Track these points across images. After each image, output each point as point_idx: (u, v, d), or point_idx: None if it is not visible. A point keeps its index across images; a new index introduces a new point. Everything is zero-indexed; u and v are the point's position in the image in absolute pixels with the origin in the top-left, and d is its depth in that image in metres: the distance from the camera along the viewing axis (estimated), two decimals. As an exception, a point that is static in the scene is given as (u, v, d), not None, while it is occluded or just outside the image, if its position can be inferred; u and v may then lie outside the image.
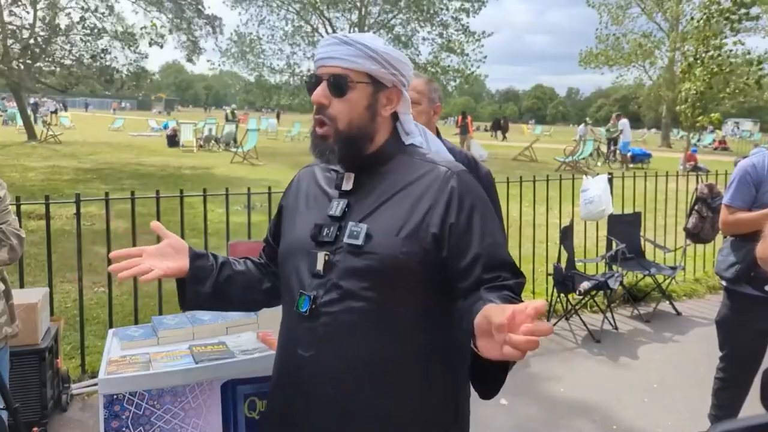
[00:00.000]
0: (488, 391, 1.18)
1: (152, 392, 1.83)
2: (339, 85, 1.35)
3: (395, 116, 1.45)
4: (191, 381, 1.87)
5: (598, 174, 5.87)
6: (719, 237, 4.25)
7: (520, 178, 5.65)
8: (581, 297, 5.23)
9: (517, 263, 1.37)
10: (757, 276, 2.75)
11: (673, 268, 5.76)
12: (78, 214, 3.88)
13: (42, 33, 19.73)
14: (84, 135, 25.89)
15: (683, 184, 7.06)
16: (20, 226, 2.64)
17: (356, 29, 24.98)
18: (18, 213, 3.48)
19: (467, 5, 25.30)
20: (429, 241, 1.31)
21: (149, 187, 10.43)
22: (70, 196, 4.08)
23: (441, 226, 1.32)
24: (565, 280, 5.05)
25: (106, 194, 4.04)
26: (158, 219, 3.95)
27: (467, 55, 25.93)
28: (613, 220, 5.74)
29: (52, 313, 3.66)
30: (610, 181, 5.71)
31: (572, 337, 4.92)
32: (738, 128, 50.53)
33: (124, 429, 1.80)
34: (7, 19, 19.34)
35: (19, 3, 18.88)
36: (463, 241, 1.31)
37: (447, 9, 25.60)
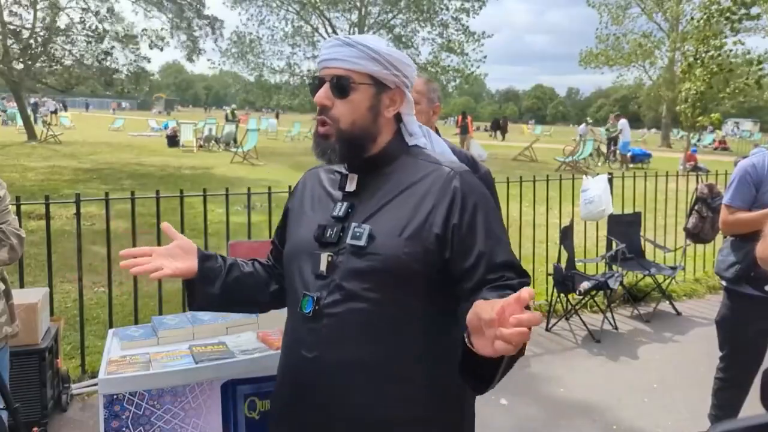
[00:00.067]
0: (481, 386, 1.16)
1: (152, 392, 1.83)
2: (341, 86, 1.36)
3: (398, 117, 1.46)
4: (191, 381, 1.88)
5: (598, 174, 5.87)
6: (719, 237, 4.26)
7: (520, 178, 5.65)
8: (581, 297, 5.24)
9: (518, 263, 1.37)
10: (757, 276, 2.75)
11: (673, 268, 5.76)
12: (78, 214, 3.88)
13: (42, 33, 19.73)
14: (84, 135, 25.88)
15: (683, 184, 7.06)
16: (20, 226, 2.64)
17: (356, 29, 25.00)
18: (18, 213, 3.48)
19: (467, 5, 25.33)
20: (432, 242, 1.31)
21: (149, 187, 10.43)
22: (70, 196, 4.08)
23: (444, 227, 1.32)
24: (565, 280, 5.05)
25: (106, 194, 4.03)
26: (158, 219, 3.95)
27: (467, 54, 25.96)
28: (613, 220, 5.74)
29: (52, 313, 3.66)
30: (610, 181, 5.71)
31: (572, 337, 4.92)
32: (738, 128, 50.52)
33: (124, 429, 1.80)
34: (7, 19, 19.35)
35: (20, 3, 18.89)
36: (466, 241, 1.31)
37: (447, 9, 25.64)
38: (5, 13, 19.31)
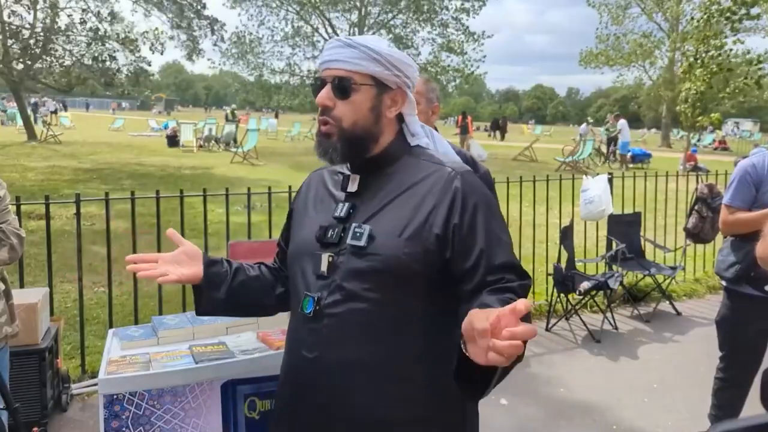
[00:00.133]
0: (475, 392, 1.14)
1: (152, 392, 1.83)
2: (343, 87, 1.36)
3: (401, 118, 1.46)
4: (191, 381, 1.88)
5: (598, 174, 5.87)
6: (719, 237, 4.25)
7: (520, 178, 5.65)
8: (581, 297, 5.24)
9: (518, 263, 1.36)
10: (757, 276, 2.76)
11: (673, 268, 5.76)
12: (78, 214, 3.88)
13: (42, 33, 19.73)
14: (84, 135, 25.88)
15: (683, 184, 7.06)
16: (20, 226, 2.64)
17: (356, 29, 25.01)
18: (18, 213, 3.48)
19: (467, 5, 25.34)
20: (432, 242, 1.31)
21: (149, 187, 10.44)
22: (70, 196, 4.08)
23: (444, 227, 1.32)
24: (565, 280, 5.05)
25: (106, 194, 4.03)
26: (158, 219, 3.95)
27: (467, 54, 25.97)
28: (613, 220, 5.74)
29: (52, 313, 3.66)
30: (610, 181, 5.71)
31: (572, 337, 4.92)
32: (738, 128, 50.51)
33: (124, 429, 1.80)
34: (7, 19, 19.35)
35: (20, 3, 18.90)
36: (467, 241, 1.31)
37: (447, 9, 25.64)
38: (5, 13, 19.31)
